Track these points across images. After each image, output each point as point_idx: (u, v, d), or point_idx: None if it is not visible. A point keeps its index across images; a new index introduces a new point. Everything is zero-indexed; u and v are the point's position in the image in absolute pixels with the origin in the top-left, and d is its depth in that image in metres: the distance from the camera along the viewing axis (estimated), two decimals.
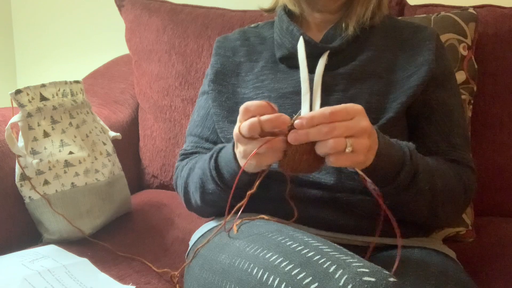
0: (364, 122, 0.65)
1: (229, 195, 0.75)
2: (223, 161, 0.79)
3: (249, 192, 0.73)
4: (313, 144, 0.65)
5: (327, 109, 0.63)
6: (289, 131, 0.65)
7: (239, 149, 0.71)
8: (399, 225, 0.67)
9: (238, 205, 0.74)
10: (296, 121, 0.64)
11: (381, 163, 0.70)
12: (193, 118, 1.00)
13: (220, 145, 0.83)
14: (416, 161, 0.74)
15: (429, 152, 0.85)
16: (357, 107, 0.65)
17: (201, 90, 1.02)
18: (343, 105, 0.64)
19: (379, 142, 0.69)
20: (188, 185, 0.90)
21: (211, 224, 0.89)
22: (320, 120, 0.63)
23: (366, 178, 0.68)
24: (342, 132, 0.63)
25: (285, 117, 0.64)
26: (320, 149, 0.64)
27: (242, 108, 0.67)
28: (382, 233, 0.80)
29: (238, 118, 0.69)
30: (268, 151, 0.66)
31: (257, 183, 0.72)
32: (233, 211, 0.74)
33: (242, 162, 0.72)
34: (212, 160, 0.81)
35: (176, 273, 0.88)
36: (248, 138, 0.67)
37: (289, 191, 0.80)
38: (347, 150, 0.63)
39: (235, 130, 0.69)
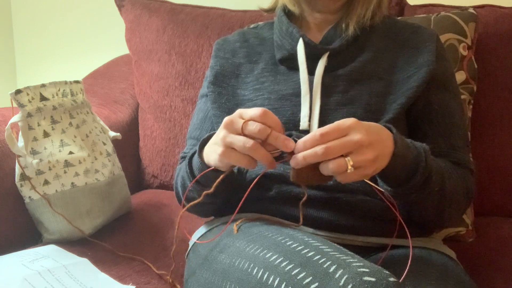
0: (358, 135, 0.64)
1: (201, 192, 0.75)
2: (195, 158, 0.80)
3: (205, 192, 0.73)
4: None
5: (318, 131, 0.64)
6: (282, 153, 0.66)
7: (220, 134, 0.69)
8: (400, 225, 0.67)
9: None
10: (292, 148, 0.65)
11: (398, 164, 0.69)
12: (193, 121, 1.00)
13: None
14: (430, 162, 0.73)
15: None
16: (349, 122, 0.65)
17: (201, 92, 1.02)
18: (333, 124, 0.64)
19: (396, 144, 0.68)
20: (178, 185, 0.91)
21: (210, 224, 0.89)
22: (312, 144, 0.63)
23: (377, 188, 0.68)
24: (338, 151, 0.63)
25: (291, 143, 0.65)
26: (323, 171, 0.65)
27: (261, 110, 0.66)
28: (384, 234, 0.80)
29: (246, 112, 0.68)
30: (246, 152, 0.66)
31: (215, 184, 0.72)
32: (232, 216, 0.74)
33: (212, 148, 0.72)
34: (187, 159, 0.82)
35: (169, 277, 0.88)
36: (244, 134, 0.66)
37: (290, 192, 0.80)
38: (348, 171, 0.63)
39: (234, 119, 0.67)
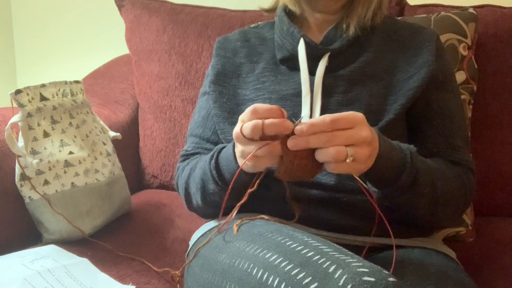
0: (364, 131, 0.64)
1: (229, 195, 0.75)
2: (224, 161, 0.79)
3: (249, 190, 0.73)
4: (310, 149, 0.65)
5: (328, 116, 0.63)
6: (287, 137, 0.64)
7: (238, 149, 0.71)
8: (399, 225, 0.67)
9: (238, 204, 0.74)
10: (296, 128, 0.63)
11: (381, 166, 0.70)
12: (194, 119, 1.00)
13: (220, 145, 0.83)
14: (416, 164, 0.74)
15: (430, 153, 0.85)
16: (358, 116, 0.65)
17: (202, 90, 1.02)
18: (344, 113, 0.64)
19: (380, 145, 0.69)
20: (189, 186, 0.90)
21: (211, 224, 0.89)
22: (320, 128, 0.63)
23: (362, 184, 0.68)
24: (342, 141, 0.63)
25: (288, 123, 0.64)
26: (320, 157, 0.64)
27: (250, 108, 0.66)
28: (381, 234, 0.80)
29: (241, 117, 0.68)
30: (266, 154, 0.66)
31: (256, 183, 0.72)
32: (234, 211, 0.74)
33: (240, 162, 0.73)
34: (213, 160, 0.81)
35: (177, 272, 0.88)
36: (248, 139, 0.67)
37: (290, 192, 0.80)
38: (347, 161, 0.63)
39: (236, 129, 0.68)
